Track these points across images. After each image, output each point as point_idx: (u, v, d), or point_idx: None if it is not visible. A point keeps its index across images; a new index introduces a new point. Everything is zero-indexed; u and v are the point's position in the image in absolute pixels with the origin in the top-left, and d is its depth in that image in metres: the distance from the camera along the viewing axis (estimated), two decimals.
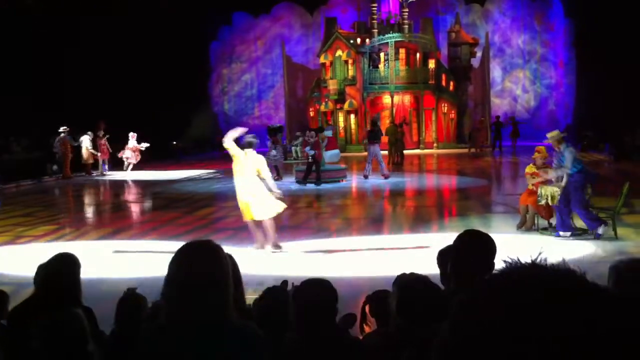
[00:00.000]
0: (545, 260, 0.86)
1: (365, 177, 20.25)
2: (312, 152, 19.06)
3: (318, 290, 3.09)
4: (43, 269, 3.75)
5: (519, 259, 0.88)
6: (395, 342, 3.01)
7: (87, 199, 19.03)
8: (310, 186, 18.86)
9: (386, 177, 20.07)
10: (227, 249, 2.72)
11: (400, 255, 9.62)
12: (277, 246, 9.92)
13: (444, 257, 3.72)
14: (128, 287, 3.95)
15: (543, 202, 10.75)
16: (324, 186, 18.79)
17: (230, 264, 2.69)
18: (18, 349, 2.95)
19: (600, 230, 10.19)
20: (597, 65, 30.73)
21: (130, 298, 3.78)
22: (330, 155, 21.00)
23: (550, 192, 10.55)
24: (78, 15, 29.67)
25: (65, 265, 3.78)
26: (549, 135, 10.63)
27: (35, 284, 3.75)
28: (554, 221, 10.96)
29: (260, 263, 9.15)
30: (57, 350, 2.69)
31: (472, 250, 3.26)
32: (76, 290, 3.77)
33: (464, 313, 0.84)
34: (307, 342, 2.94)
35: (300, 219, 13.74)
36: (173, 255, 2.48)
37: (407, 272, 3.41)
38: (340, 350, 2.98)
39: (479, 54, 37.16)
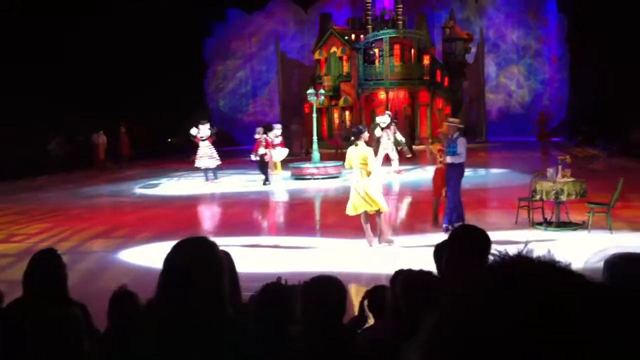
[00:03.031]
0: (531, 251, 0.89)
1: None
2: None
3: (327, 288, 3.07)
4: (26, 268, 3.71)
5: (506, 251, 0.90)
6: (393, 335, 3.01)
7: None
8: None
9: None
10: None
11: (393, 253, 9.63)
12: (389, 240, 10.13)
13: (440, 252, 3.73)
14: (120, 285, 3.93)
15: (537, 197, 10.79)
16: (309, 184, 18.94)
17: (226, 260, 2.69)
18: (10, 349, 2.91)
19: (447, 226, 10.42)
20: (590, 60, 30.77)
21: (123, 295, 3.76)
22: (278, 154, 19.98)
23: (545, 188, 10.58)
24: (71, 14, 29.57)
25: (49, 262, 3.73)
26: (451, 119, 11.42)
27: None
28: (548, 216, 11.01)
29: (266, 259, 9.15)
30: (51, 349, 2.67)
31: (467, 246, 3.27)
32: (64, 286, 3.72)
33: (453, 305, 0.87)
34: (312, 339, 2.93)
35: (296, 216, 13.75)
36: (169, 251, 2.48)
37: (404, 268, 3.41)
38: (346, 351, 2.97)
39: (473, 50, 37.17)
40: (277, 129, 19.89)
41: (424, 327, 0.86)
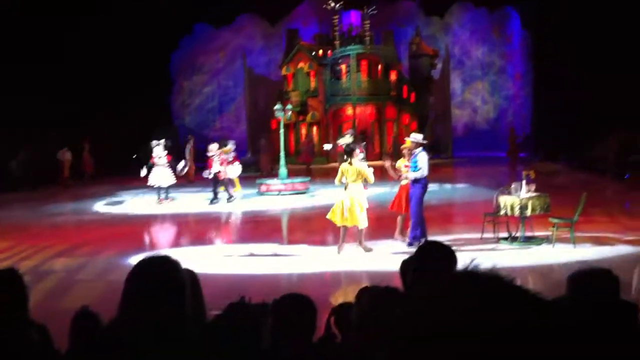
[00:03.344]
0: (477, 267, 0.97)
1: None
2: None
3: (298, 306, 3.04)
4: None
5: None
6: (361, 351, 3.00)
7: None
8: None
9: None
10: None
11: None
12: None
13: (406, 268, 3.73)
14: (82, 305, 3.86)
15: (502, 212, 10.90)
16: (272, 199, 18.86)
17: (190, 279, 2.66)
18: None
19: (412, 241, 10.47)
20: (553, 77, 31.32)
21: (84, 315, 3.69)
22: (232, 170, 19.17)
23: (510, 203, 10.69)
24: (71, 14, 29.27)
25: (9, 282, 3.65)
26: (413, 135, 11.36)
27: None
28: (514, 231, 11.12)
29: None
30: None
31: (433, 262, 3.27)
32: (24, 307, 3.64)
33: (425, 315, 0.92)
34: (282, 356, 2.90)
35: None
36: (131, 269, 2.45)
37: (369, 285, 3.40)
38: None
39: (439, 66, 37.62)
40: (231, 145, 19.28)
41: (393, 332, 0.90)
